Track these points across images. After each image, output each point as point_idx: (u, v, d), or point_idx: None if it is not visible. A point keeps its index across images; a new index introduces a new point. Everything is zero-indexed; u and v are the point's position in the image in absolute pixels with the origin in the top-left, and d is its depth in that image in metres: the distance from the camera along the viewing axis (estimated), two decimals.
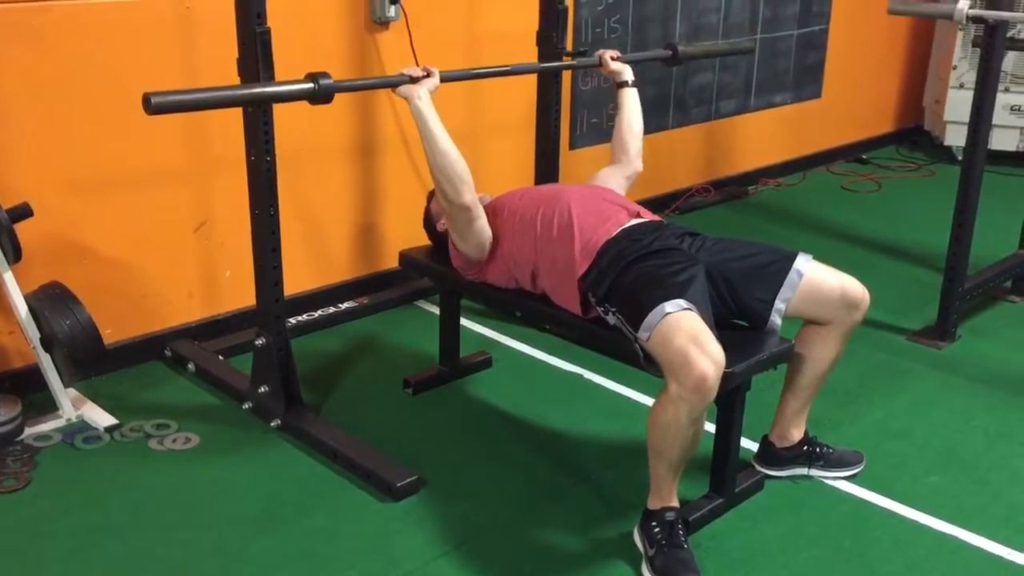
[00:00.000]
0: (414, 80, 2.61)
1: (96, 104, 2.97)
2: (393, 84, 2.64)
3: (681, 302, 2.23)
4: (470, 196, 2.62)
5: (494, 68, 2.98)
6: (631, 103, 3.02)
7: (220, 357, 3.25)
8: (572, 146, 4.39)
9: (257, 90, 2.51)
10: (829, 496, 2.66)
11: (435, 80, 2.64)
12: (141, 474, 2.68)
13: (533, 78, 3.54)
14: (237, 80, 2.65)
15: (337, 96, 3.62)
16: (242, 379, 3.04)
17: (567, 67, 3.01)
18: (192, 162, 3.23)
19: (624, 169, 2.97)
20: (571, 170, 4.10)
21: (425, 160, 2.64)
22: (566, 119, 4.25)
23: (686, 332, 2.17)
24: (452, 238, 2.78)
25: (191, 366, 3.20)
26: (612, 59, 3.08)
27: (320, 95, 2.48)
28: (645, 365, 2.34)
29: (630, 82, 3.04)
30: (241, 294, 3.31)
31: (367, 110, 3.62)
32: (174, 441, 2.83)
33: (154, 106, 2.20)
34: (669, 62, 3.30)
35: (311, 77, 2.47)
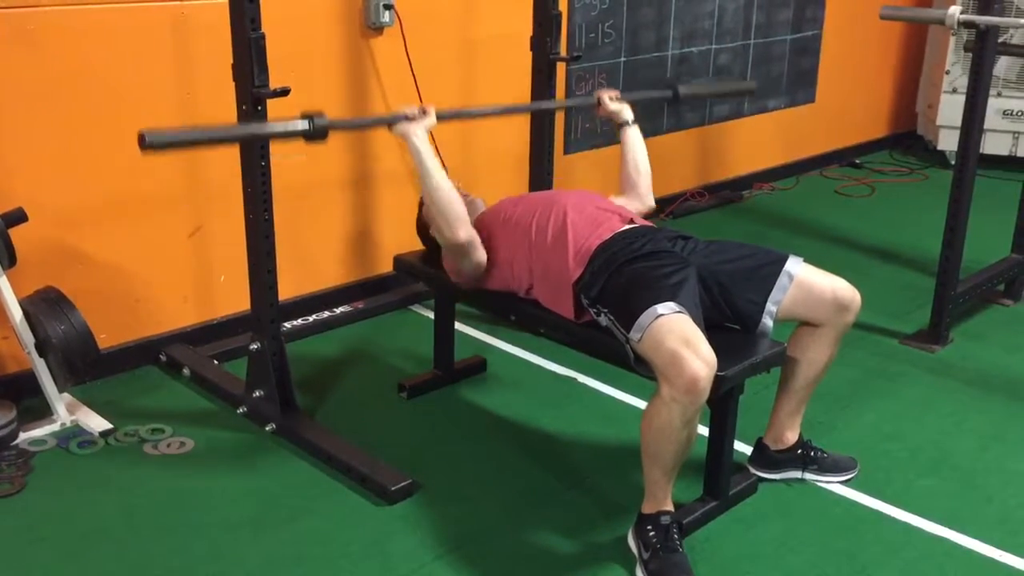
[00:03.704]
0: (410, 119, 2.62)
1: (91, 109, 2.98)
2: (390, 122, 2.65)
3: (673, 305, 2.24)
4: (465, 233, 2.64)
5: (491, 108, 3.02)
6: (634, 142, 2.92)
7: (215, 361, 3.25)
8: (567, 151, 4.39)
9: (253, 130, 2.53)
10: (822, 499, 2.67)
11: (431, 119, 2.65)
12: (136, 479, 2.68)
13: (527, 83, 3.54)
14: (232, 85, 2.66)
15: (332, 100, 3.62)
16: (237, 383, 3.04)
17: (564, 106, 3.01)
18: (187, 167, 3.23)
19: (635, 204, 2.87)
20: (565, 175, 4.11)
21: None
22: (560, 124, 4.26)
23: (678, 334, 2.18)
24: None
25: (186, 371, 3.20)
26: (611, 99, 2.97)
27: (315, 134, 2.48)
28: (635, 366, 2.35)
29: (630, 121, 2.94)
30: (236, 298, 3.31)
31: (363, 113, 3.63)
32: (169, 446, 2.83)
33: (148, 143, 2.22)
34: (670, 103, 3.25)
35: (306, 116, 2.48)
